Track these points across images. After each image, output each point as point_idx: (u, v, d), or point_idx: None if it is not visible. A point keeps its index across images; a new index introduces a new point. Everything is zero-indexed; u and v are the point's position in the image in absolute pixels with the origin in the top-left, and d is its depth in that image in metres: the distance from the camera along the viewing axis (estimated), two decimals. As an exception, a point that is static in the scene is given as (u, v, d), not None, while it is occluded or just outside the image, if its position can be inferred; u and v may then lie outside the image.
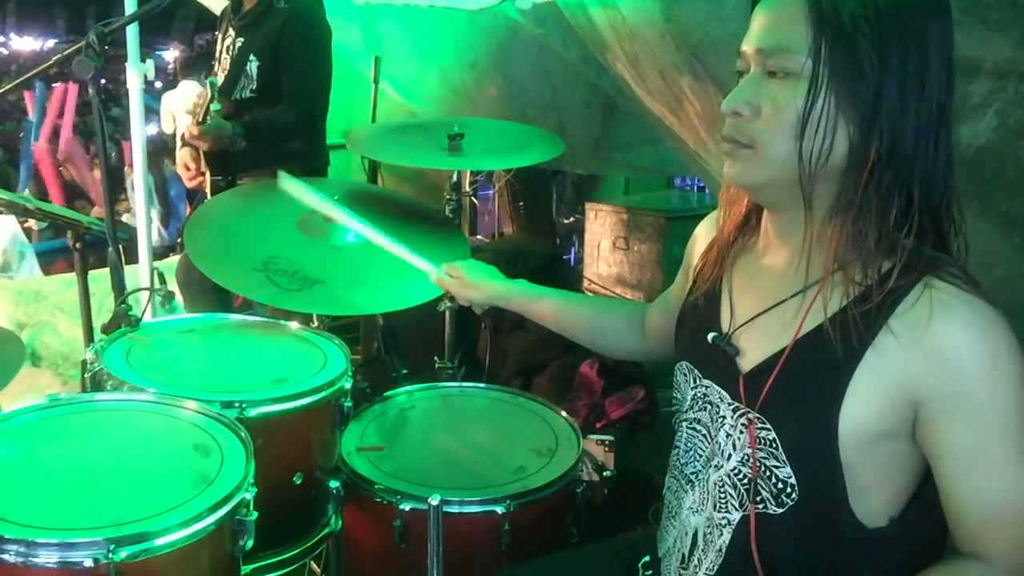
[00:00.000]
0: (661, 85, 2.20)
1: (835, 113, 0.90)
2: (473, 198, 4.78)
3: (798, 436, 0.96)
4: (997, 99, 1.29)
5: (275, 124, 2.61)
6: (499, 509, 1.39)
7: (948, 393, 0.90)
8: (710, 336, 1.07)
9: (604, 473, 1.85)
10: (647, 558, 1.21)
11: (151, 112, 6.69)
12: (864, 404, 0.92)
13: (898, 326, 0.90)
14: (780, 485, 0.97)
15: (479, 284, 1.48)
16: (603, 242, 3.91)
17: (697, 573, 1.07)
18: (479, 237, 5.00)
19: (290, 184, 1.61)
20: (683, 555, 1.09)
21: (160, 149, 6.83)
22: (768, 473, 0.98)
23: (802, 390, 0.96)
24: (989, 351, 0.89)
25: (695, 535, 1.08)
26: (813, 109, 0.90)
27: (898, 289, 0.91)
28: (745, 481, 1.01)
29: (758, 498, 0.99)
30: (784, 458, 0.97)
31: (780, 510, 0.98)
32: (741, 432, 1.01)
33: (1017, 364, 0.89)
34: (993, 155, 1.32)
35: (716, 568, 1.04)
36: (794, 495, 0.97)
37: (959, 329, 0.89)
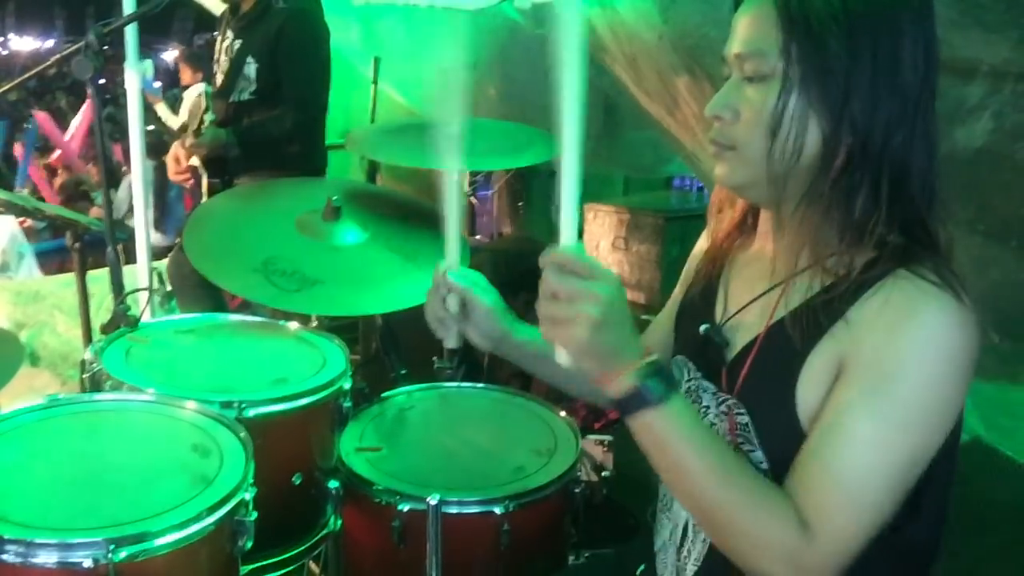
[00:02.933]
0: (659, 86, 2.21)
1: (805, 112, 0.92)
2: (473, 198, 4.79)
3: (766, 419, 0.98)
4: (994, 101, 1.29)
5: (269, 131, 2.61)
6: (498, 509, 1.40)
7: (857, 356, 0.90)
8: (702, 327, 1.09)
9: (603, 473, 1.85)
10: (642, 567, 1.21)
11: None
12: (815, 386, 0.93)
13: (854, 313, 0.91)
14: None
15: (498, 330, 1.19)
16: (602, 242, 3.91)
17: (687, 564, 1.08)
18: (479, 237, 5.00)
19: None
20: (676, 547, 1.11)
21: (152, 149, 6.82)
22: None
23: (769, 376, 0.98)
24: (913, 328, 0.87)
25: (685, 526, 1.09)
26: (785, 110, 0.92)
27: (866, 280, 0.92)
28: None
29: None
30: (756, 442, 0.99)
31: None
32: (722, 420, 1.03)
33: (940, 355, 0.87)
34: (990, 157, 1.32)
35: (703, 557, 1.06)
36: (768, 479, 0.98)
37: (897, 302, 0.89)
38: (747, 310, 1.05)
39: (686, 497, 0.96)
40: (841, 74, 0.90)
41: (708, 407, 1.06)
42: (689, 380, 1.11)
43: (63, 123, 8.23)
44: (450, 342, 1.20)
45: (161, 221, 6.42)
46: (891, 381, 0.88)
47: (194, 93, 6.27)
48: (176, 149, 2.74)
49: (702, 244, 1.22)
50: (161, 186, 6.34)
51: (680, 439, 0.91)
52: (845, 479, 0.88)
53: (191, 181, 2.82)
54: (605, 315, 0.86)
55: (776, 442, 0.97)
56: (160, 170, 6.15)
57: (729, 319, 1.07)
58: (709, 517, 0.94)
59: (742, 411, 1.01)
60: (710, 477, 0.91)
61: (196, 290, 2.60)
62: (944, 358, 0.88)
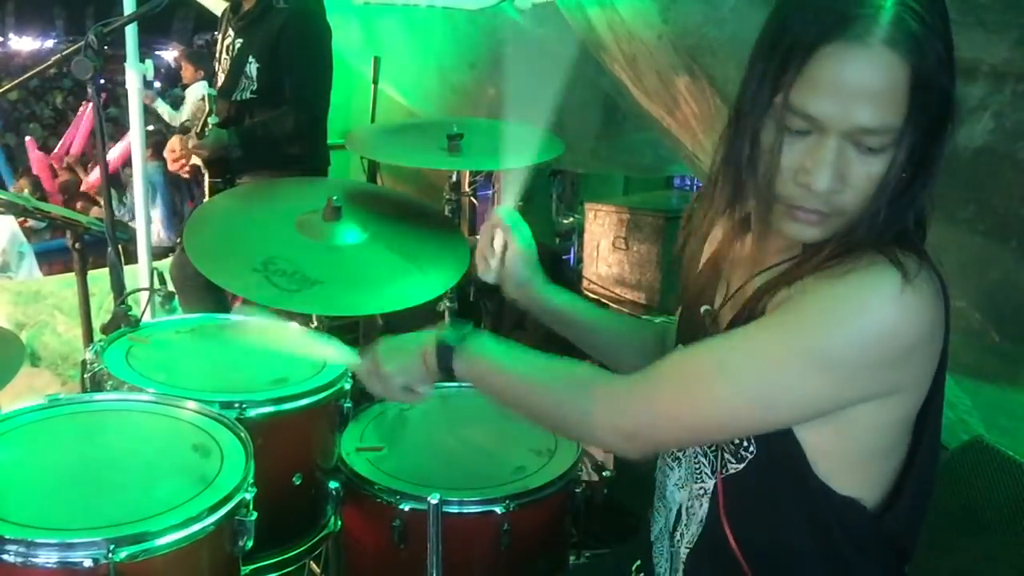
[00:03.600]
0: (658, 86, 2.21)
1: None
2: (473, 198, 4.78)
3: None
4: (994, 101, 1.29)
5: (271, 132, 2.61)
6: (498, 509, 1.40)
7: (791, 294, 0.93)
8: (703, 309, 1.10)
9: (603, 473, 1.85)
10: (638, 562, 1.22)
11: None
12: None
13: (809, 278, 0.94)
14: (737, 440, 1.00)
15: (526, 275, 1.32)
16: (602, 242, 3.91)
17: (680, 547, 1.09)
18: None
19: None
20: (670, 533, 1.12)
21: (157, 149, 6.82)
22: None
23: None
24: (850, 281, 0.89)
25: (679, 510, 1.10)
26: (895, 171, 0.89)
27: (833, 259, 0.93)
28: (714, 447, 1.03)
29: (722, 459, 1.02)
30: None
31: (740, 465, 1.00)
32: None
33: (864, 315, 0.88)
34: (990, 157, 1.32)
35: (696, 539, 1.07)
36: (751, 448, 0.98)
37: (847, 264, 0.90)
38: (738, 295, 1.06)
39: (519, 405, 1.10)
40: (940, 132, 0.90)
41: None
42: None
43: (63, 123, 8.25)
44: (488, 277, 1.32)
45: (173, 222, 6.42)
46: (807, 317, 0.90)
47: (196, 91, 6.27)
48: (173, 142, 2.74)
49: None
50: (171, 187, 6.35)
51: (494, 360, 1.11)
52: (716, 360, 0.94)
53: (189, 170, 2.83)
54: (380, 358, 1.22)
55: None
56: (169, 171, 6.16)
57: (722, 306, 1.08)
58: (539, 404, 1.07)
59: None
60: (529, 374, 1.08)
61: (199, 291, 2.60)
62: (868, 320, 0.88)
